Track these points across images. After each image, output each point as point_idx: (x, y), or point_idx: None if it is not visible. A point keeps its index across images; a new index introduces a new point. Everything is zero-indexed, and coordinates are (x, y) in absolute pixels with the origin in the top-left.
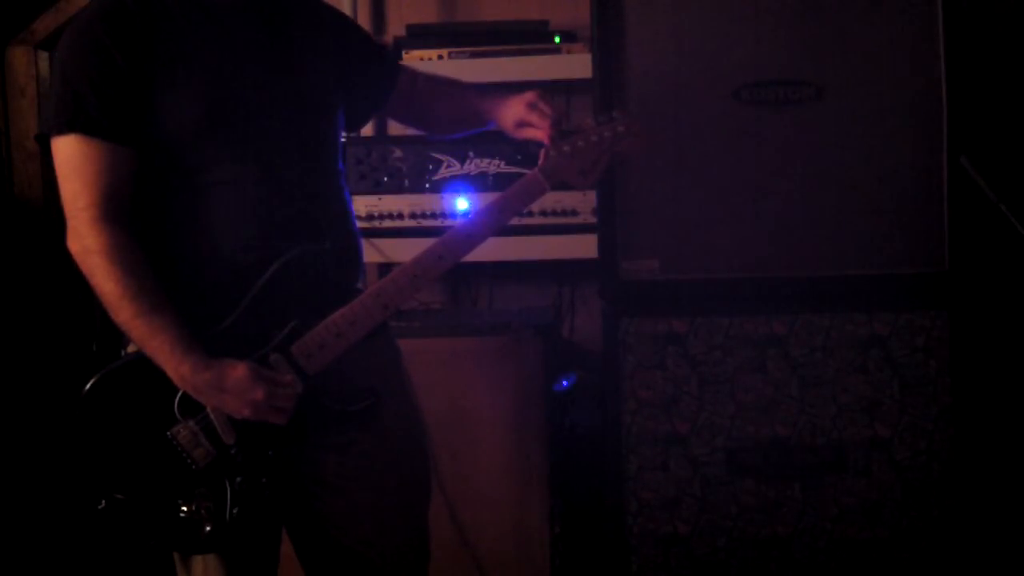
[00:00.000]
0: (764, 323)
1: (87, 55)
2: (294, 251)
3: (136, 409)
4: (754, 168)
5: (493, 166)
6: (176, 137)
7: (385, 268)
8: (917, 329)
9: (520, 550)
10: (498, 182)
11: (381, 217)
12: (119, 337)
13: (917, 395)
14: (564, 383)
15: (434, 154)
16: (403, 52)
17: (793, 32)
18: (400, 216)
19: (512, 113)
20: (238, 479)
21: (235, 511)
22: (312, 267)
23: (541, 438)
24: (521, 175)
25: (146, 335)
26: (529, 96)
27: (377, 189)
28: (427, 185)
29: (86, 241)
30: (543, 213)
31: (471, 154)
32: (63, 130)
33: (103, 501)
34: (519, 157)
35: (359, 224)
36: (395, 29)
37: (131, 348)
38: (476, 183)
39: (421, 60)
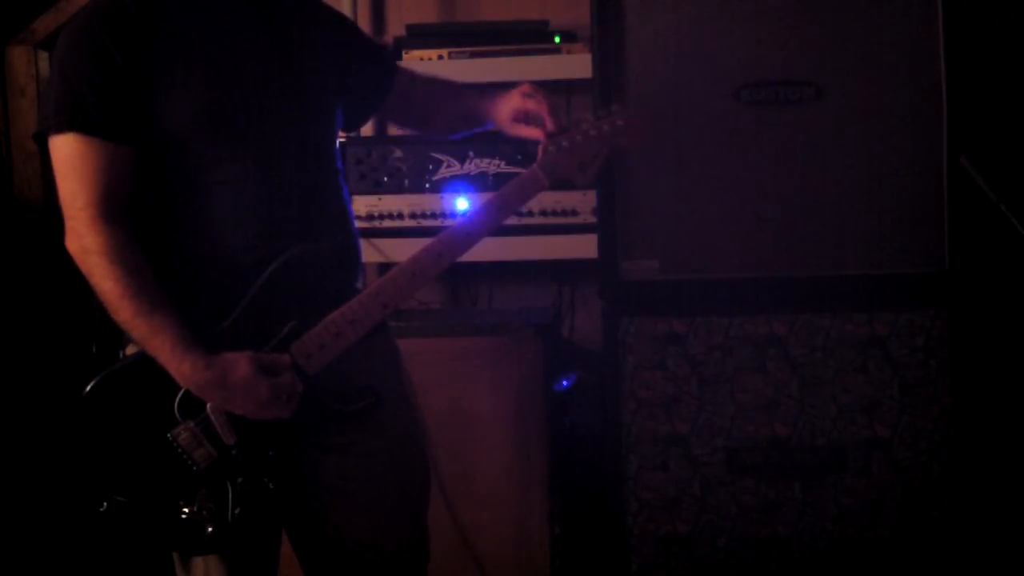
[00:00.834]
0: (764, 323)
1: (86, 53)
2: (293, 251)
3: (136, 411)
4: (754, 168)
5: (493, 166)
6: (174, 136)
7: (385, 268)
8: (917, 329)
9: (520, 550)
10: (498, 182)
11: (381, 217)
12: (118, 338)
13: (917, 395)
14: (564, 383)
15: (434, 154)
16: (403, 52)
17: (793, 32)
18: (400, 216)
19: (508, 107)
20: (239, 480)
21: (237, 512)
22: (311, 267)
23: (541, 438)
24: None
25: (147, 334)
26: (524, 87)
27: (377, 189)
28: (427, 185)
29: (85, 240)
30: (543, 213)
31: (471, 154)
32: (61, 128)
33: (104, 503)
34: (519, 157)
35: (359, 224)
36: (395, 29)
37: (130, 349)
38: (476, 183)
39: (421, 60)
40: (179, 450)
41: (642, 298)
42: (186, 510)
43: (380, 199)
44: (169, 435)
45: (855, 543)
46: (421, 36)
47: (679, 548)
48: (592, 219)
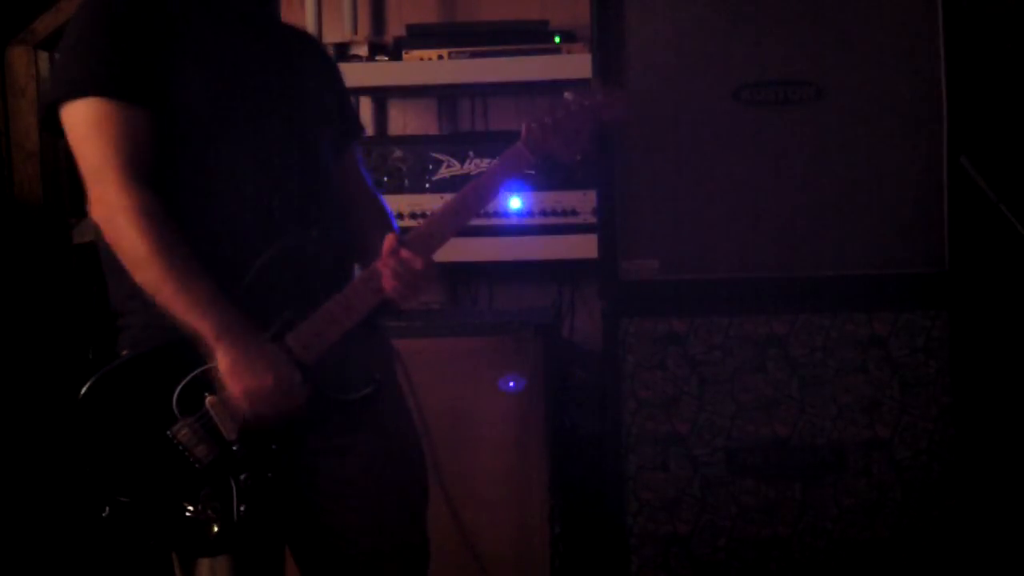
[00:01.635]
0: (764, 323)
1: (105, 22)
2: (287, 240)
3: (134, 410)
4: (754, 168)
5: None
6: (177, 123)
7: None
8: (917, 329)
9: (520, 550)
10: None
11: None
12: (115, 342)
13: (917, 395)
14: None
15: (434, 154)
16: (403, 52)
17: (793, 32)
18: (400, 216)
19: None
20: (243, 476)
21: (242, 509)
22: (305, 257)
23: (541, 438)
24: None
25: (181, 287)
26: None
27: (377, 189)
28: (427, 185)
29: (119, 203)
30: (543, 213)
31: (471, 154)
32: (82, 93)
33: (108, 506)
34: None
35: None
36: (395, 29)
37: (125, 352)
38: None
39: (421, 60)
40: (180, 447)
41: (642, 298)
42: (190, 509)
43: None
44: (169, 432)
45: (855, 543)
46: (421, 36)
47: (679, 548)
48: (592, 219)
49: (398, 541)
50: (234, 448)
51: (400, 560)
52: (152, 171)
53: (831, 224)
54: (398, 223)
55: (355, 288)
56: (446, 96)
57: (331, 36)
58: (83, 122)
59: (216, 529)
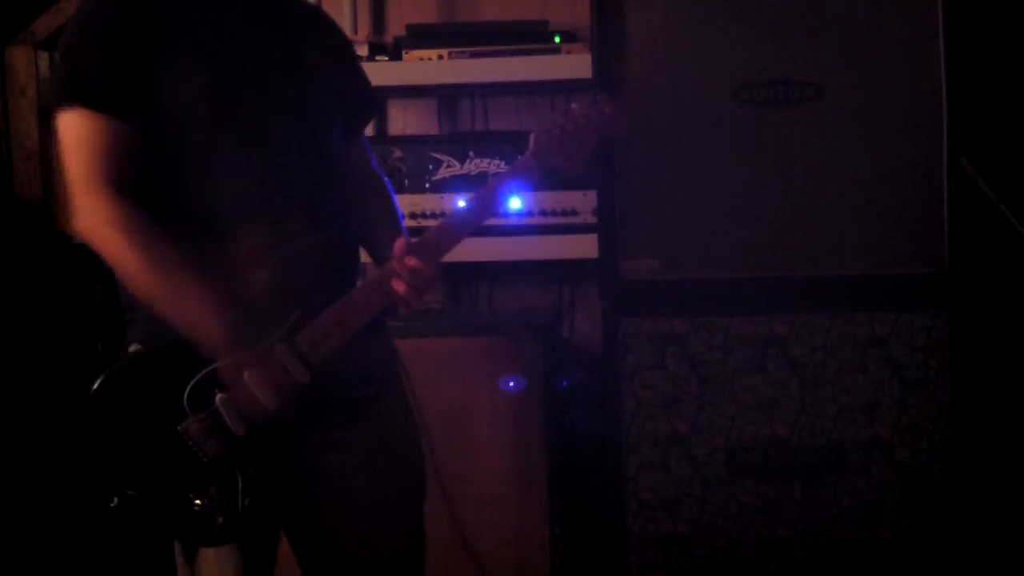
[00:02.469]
0: (764, 323)
1: (94, 30)
2: (296, 243)
3: (145, 406)
4: (754, 168)
5: (493, 166)
6: (176, 124)
7: None
8: (917, 329)
9: (520, 550)
10: None
11: None
12: (122, 335)
13: (917, 395)
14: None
15: (434, 154)
16: (403, 52)
17: (793, 32)
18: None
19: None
20: (249, 470)
21: (247, 502)
22: (314, 259)
23: (541, 438)
24: None
25: (177, 294)
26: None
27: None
28: (427, 185)
29: (96, 216)
30: (543, 213)
31: (471, 154)
32: (68, 102)
33: (115, 499)
34: (519, 158)
35: None
36: (395, 29)
37: (133, 347)
38: (476, 183)
39: (421, 60)
40: (189, 443)
41: (642, 298)
42: (197, 502)
43: None
44: (179, 428)
45: (855, 543)
46: (421, 36)
47: (679, 548)
48: (592, 219)
49: (397, 536)
50: (242, 444)
51: (399, 553)
52: (135, 183)
53: (831, 224)
54: None
55: (364, 291)
56: (446, 96)
57: None
58: (69, 135)
59: (221, 520)
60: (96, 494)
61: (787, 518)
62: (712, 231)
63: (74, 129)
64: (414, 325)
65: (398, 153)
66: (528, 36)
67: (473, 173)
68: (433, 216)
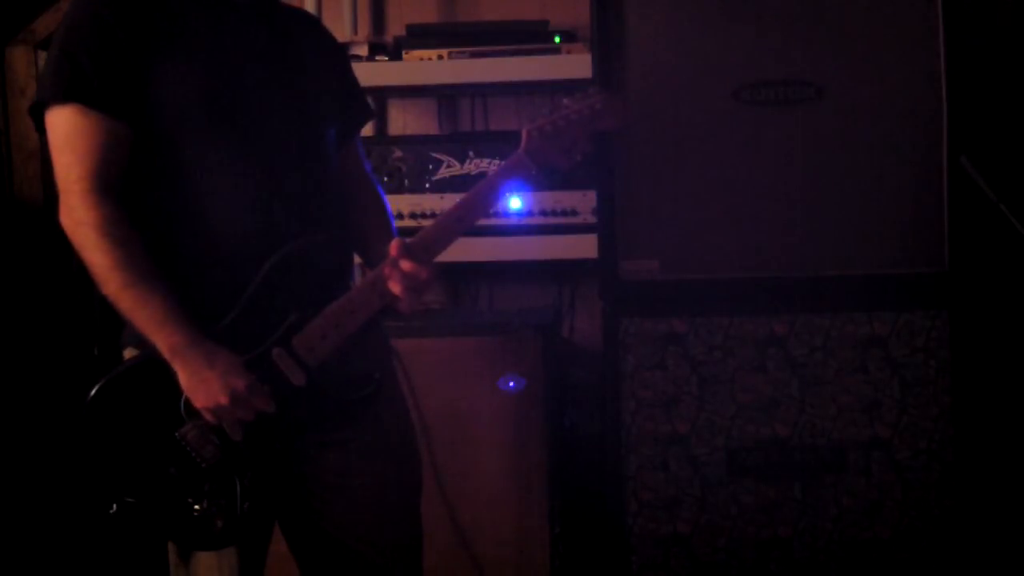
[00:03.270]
0: (764, 323)
1: (88, 27)
2: (291, 245)
3: (142, 413)
4: (754, 168)
5: (493, 166)
6: (171, 124)
7: None
8: (917, 329)
9: (520, 550)
10: None
11: None
12: (119, 338)
13: (917, 395)
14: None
15: (434, 154)
16: (403, 52)
17: (793, 32)
18: (400, 216)
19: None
20: (247, 474)
21: (246, 506)
22: (309, 261)
23: (541, 438)
24: None
25: (137, 304)
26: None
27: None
28: (427, 185)
29: (77, 214)
30: (543, 213)
31: (471, 154)
32: (60, 99)
33: (114, 505)
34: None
35: None
36: (395, 29)
37: (129, 352)
38: (476, 183)
39: (421, 60)
40: (187, 449)
41: (642, 298)
42: (196, 507)
43: None
44: (177, 434)
45: (855, 543)
46: (421, 36)
47: (679, 548)
48: (592, 219)
49: (396, 534)
50: (240, 448)
51: (398, 551)
52: (121, 181)
53: (831, 224)
54: (398, 223)
55: (359, 292)
56: (446, 96)
57: None
58: (59, 131)
59: (220, 525)
60: (94, 501)
61: (787, 518)
62: (712, 231)
63: (65, 126)
64: (414, 325)
65: (398, 153)
66: (528, 36)
67: (473, 173)
68: (433, 216)
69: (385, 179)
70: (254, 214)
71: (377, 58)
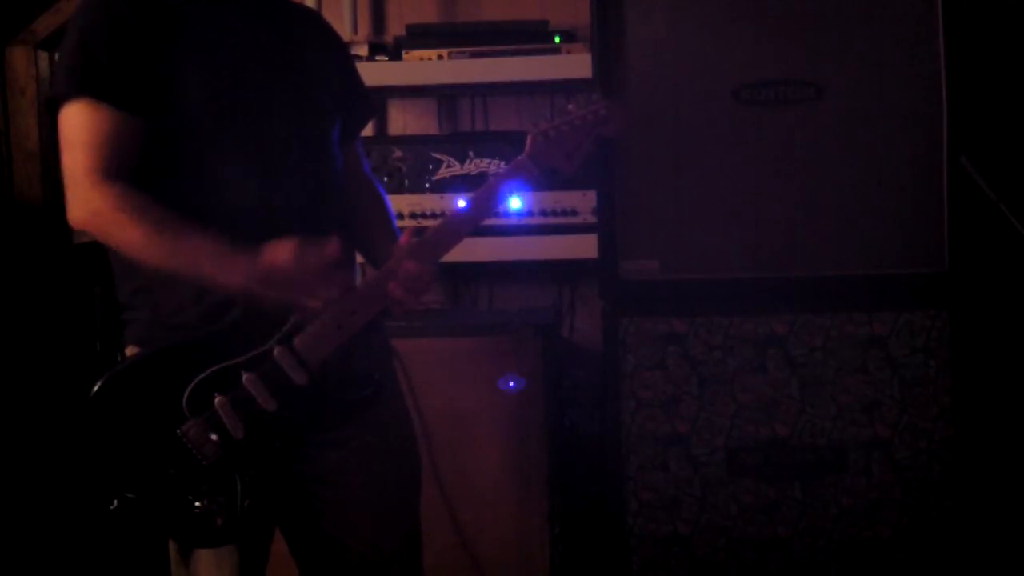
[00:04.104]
0: (764, 323)
1: (103, 21)
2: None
3: (144, 409)
4: (754, 168)
5: (493, 166)
6: (174, 123)
7: None
8: (917, 329)
9: (520, 550)
10: None
11: None
12: (121, 335)
13: (917, 395)
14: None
15: (434, 154)
16: (403, 52)
17: (793, 32)
18: (400, 216)
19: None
20: (248, 472)
21: (246, 503)
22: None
23: (541, 438)
24: None
25: (194, 252)
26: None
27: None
28: (427, 185)
29: (92, 204)
30: (543, 213)
31: (471, 154)
32: (74, 93)
33: (115, 501)
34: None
35: None
36: (395, 29)
37: (130, 350)
38: (476, 183)
39: (421, 60)
40: (188, 445)
41: (642, 298)
42: (197, 504)
43: None
44: (179, 431)
45: (855, 543)
46: (421, 36)
47: (679, 548)
48: (592, 219)
49: (396, 534)
50: (241, 446)
51: (398, 553)
52: (130, 173)
53: (831, 224)
54: (398, 223)
55: (360, 293)
56: (446, 96)
57: None
58: (69, 125)
59: (220, 522)
60: (95, 496)
61: (787, 518)
62: (712, 231)
63: (80, 119)
64: (414, 325)
65: (398, 153)
66: (528, 36)
67: (473, 173)
68: (433, 216)
69: (385, 179)
70: (256, 213)
71: (377, 58)
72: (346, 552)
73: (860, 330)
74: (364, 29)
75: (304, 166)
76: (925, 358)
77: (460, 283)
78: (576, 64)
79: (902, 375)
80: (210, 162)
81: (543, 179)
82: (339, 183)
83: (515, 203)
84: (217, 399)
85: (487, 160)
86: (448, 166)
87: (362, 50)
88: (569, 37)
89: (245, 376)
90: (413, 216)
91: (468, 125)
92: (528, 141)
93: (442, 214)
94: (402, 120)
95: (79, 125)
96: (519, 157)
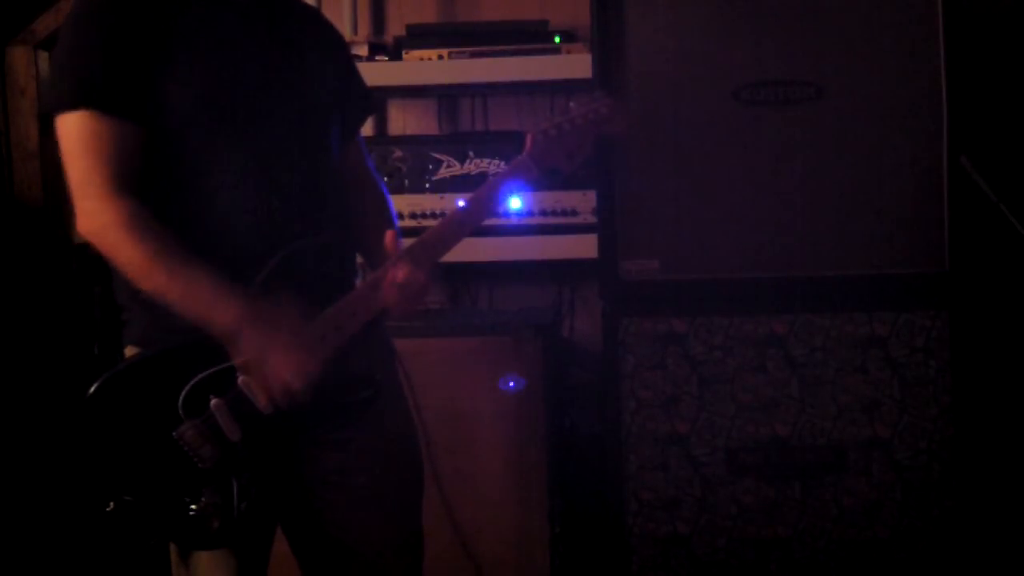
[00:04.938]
0: (764, 323)
1: (95, 30)
2: (292, 246)
3: (141, 411)
4: (754, 168)
5: (493, 166)
6: (175, 125)
7: None
8: (917, 329)
9: (520, 550)
10: None
11: None
12: (119, 336)
13: (917, 395)
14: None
15: (434, 154)
16: (403, 52)
17: (793, 32)
18: (400, 216)
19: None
20: (244, 475)
21: (242, 506)
22: (310, 262)
23: (541, 438)
24: None
25: (189, 285)
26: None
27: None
28: (427, 185)
29: (103, 217)
30: (543, 213)
31: (471, 154)
32: (73, 105)
33: (111, 503)
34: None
35: None
36: (395, 29)
37: (129, 351)
38: (476, 183)
39: (421, 60)
40: (185, 448)
41: (642, 298)
42: (193, 507)
43: None
44: (174, 434)
45: (855, 543)
46: (421, 36)
47: (679, 548)
48: (592, 219)
49: (397, 534)
50: (237, 448)
51: (398, 551)
52: (137, 182)
53: (831, 224)
54: (398, 223)
55: (358, 295)
56: (446, 96)
57: None
58: (70, 136)
59: (217, 524)
60: (92, 499)
61: (787, 518)
62: (712, 231)
63: (78, 131)
64: (414, 325)
65: (398, 153)
66: (528, 36)
67: (473, 173)
68: (433, 216)
69: (385, 179)
70: (256, 215)
71: (377, 58)
72: (348, 552)
73: (860, 330)
74: (364, 29)
75: (303, 166)
76: (925, 358)
77: (460, 283)
78: (576, 64)
79: (902, 375)
80: (209, 163)
81: (543, 179)
82: (338, 181)
83: (515, 203)
84: (213, 402)
85: (487, 160)
86: (448, 166)
87: (362, 50)
88: (569, 37)
89: (241, 378)
90: (413, 216)
91: (468, 125)
92: (528, 140)
93: (442, 214)
94: (402, 120)
95: (81, 136)
96: (519, 156)
